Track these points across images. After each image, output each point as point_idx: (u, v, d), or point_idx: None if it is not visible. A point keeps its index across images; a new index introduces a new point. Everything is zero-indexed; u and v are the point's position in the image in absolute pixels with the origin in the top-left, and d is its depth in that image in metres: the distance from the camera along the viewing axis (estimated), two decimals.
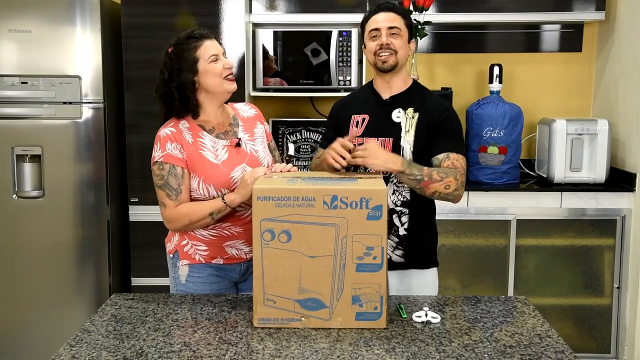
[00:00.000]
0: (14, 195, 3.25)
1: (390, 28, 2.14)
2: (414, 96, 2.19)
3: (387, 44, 2.13)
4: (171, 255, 2.17)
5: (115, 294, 2.03)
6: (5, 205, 3.24)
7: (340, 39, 3.40)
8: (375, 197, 1.70)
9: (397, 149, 2.13)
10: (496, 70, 3.51)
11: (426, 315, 1.81)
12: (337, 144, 2.01)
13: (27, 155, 3.23)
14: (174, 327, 1.76)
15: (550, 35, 3.81)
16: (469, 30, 3.75)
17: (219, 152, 2.07)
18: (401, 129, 2.14)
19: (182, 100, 2.04)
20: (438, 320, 1.80)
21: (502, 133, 3.39)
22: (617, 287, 3.40)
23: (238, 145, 2.10)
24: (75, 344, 1.65)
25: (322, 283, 1.73)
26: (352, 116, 2.22)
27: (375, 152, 1.98)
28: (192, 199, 2.07)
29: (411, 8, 3.39)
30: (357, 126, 2.20)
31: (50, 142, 3.22)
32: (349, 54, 3.41)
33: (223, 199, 1.99)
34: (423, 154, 2.13)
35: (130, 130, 3.30)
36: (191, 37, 2.04)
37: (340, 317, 1.74)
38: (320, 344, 1.64)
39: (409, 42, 2.19)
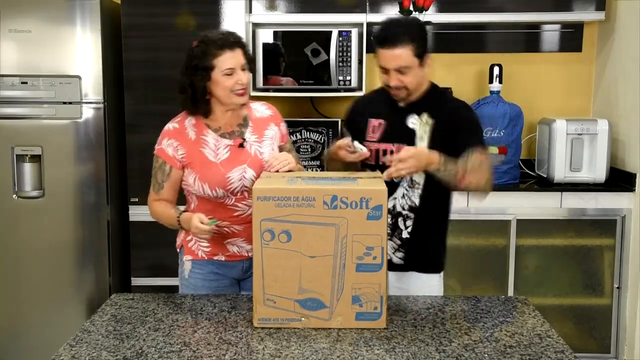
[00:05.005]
0: (14, 195, 3.24)
1: (397, 68, 2.06)
2: (431, 102, 2.15)
3: (395, 85, 2.08)
4: (178, 250, 2.22)
5: (115, 294, 2.03)
6: (5, 205, 3.24)
7: (340, 39, 3.40)
8: (375, 197, 1.70)
9: None
10: (496, 70, 3.51)
11: None
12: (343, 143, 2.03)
13: (27, 155, 3.23)
14: (174, 327, 1.76)
15: (550, 35, 3.80)
16: (469, 30, 3.74)
17: (220, 151, 2.07)
18: (415, 136, 2.12)
19: (193, 99, 2.05)
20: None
21: (502, 133, 3.40)
22: (617, 287, 3.39)
23: (242, 146, 2.10)
24: (75, 344, 1.65)
25: (322, 283, 1.73)
26: (369, 119, 2.20)
27: (413, 154, 1.97)
28: (189, 194, 2.13)
29: (411, 8, 3.39)
30: (373, 131, 2.18)
31: (50, 142, 3.22)
32: (349, 54, 3.41)
33: (179, 216, 2.07)
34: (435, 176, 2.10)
35: (130, 130, 3.30)
36: (215, 43, 2.00)
37: (340, 317, 1.74)
38: (320, 344, 1.64)
39: (421, 63, 2.08)
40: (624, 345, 3.40)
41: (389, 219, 2.17)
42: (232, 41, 2.03)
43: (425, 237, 2.17)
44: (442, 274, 2.25)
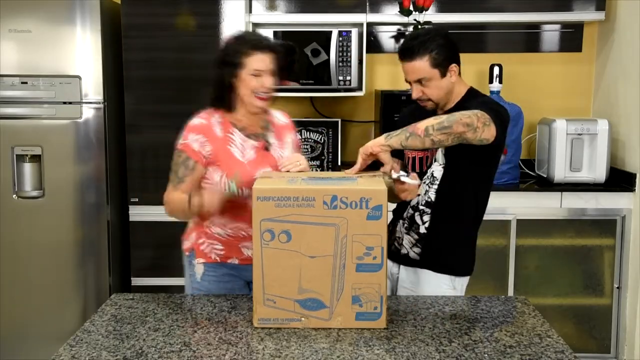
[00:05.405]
0: (14, 195, 3.25)
1: (418, 80, 2.09)
2: (463, 107, 2.07)
3: (417, 97, 2.11)
4: (187, 254, 2.19)
5: (115, 294, 2.03)
6: (5, 205, 3.24)
7: (340, 39, 3.40)
8: (375, 197, 1.70)
9: (431, 164, 2.15)
10: (496, 70, 3.50)
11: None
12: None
13: (27, 155, 3.23)
14: (174, 327, 1.76)
15: (550, 35, 3.81)
16: (469, 30, 3.75)
17: (246, 151, 2.08)
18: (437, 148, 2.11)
19: (219, 92, 2.08)
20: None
21: None
22: (617, 287, 3.39)
23: (267, 149, 2.12)
24: (75, 344, 1.65)
25: (322, 283, 1.73)
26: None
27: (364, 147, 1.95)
28: None
29: (411, 8, 3.39)
30: None
31: (50, 142, 3.22)
32: (349, 54, 3.41)
33: (190, 199, 1.97)
34: (453, 171, 2.10)
35: (130, 130, 3.30)
36: (249, 42, 2.04)
37: (340, 317, 1.74)
38: (320, 344, 1.64)
39: (443, 73, 2.09)
40: (624, 345, 3.40)
41: (408, 213, 2.19)
42: (265, 44, 2.06)
43: (439, 234, 2.16)
44: (458, 278, 2.16)
